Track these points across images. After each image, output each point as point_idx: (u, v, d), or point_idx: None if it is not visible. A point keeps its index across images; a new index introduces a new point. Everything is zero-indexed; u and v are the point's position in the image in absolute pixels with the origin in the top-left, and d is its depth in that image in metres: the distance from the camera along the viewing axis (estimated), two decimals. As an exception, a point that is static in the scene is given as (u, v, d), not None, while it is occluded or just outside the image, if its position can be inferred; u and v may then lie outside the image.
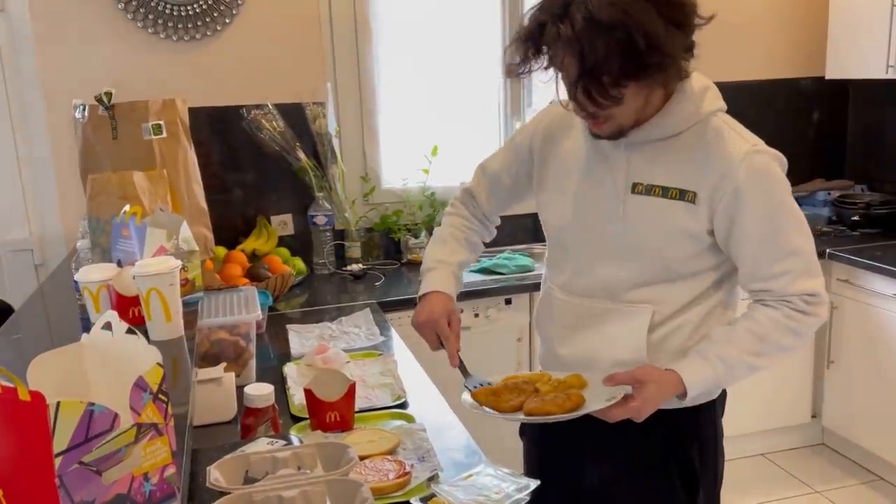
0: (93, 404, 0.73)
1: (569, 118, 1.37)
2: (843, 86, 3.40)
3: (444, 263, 1.53)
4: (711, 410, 1.41)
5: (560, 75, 1.18)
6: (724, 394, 1.48)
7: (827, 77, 3.19)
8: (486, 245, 1.71)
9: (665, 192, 1.28)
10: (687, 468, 1.38)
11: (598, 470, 1.41)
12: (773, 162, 1.28)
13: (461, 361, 1.43)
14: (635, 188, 1.31)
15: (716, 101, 1.31)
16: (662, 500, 1.39)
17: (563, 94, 1.23)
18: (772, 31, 3.31)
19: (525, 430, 1.63)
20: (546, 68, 1.18)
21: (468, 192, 1.63)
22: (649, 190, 1.30)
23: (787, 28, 3.32)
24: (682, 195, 1.28)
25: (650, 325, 1.33)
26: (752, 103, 3.34)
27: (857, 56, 3.05)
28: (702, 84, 1.30)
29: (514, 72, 1.20)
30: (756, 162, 1.26)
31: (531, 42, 1.17)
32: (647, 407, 1.26)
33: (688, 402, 1.30)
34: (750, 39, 3.29)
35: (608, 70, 1.11)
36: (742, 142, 1.27)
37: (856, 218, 3.15)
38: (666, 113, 1.27)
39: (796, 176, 3.37)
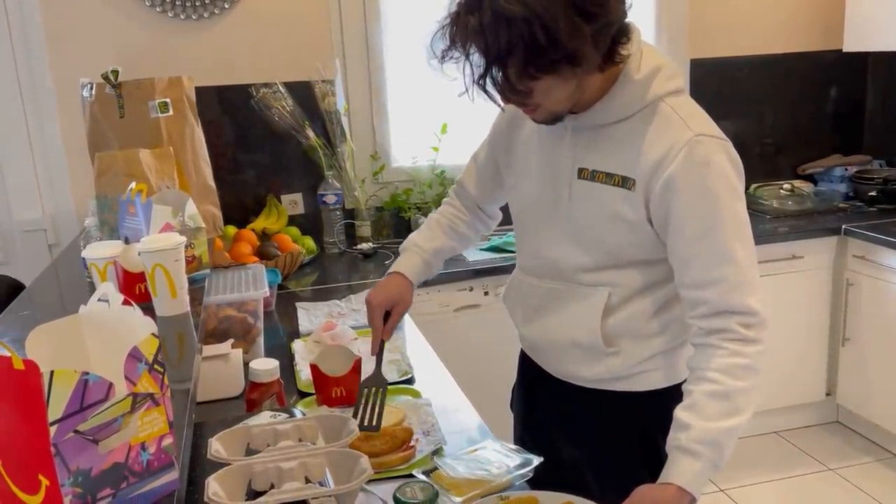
0: (87, 374, 0.73)
1: None
2: (862, 59, 3.33)
3: (417, 247, 1.55)
4: (678, 396, 1.33)
5: (467, 66, 1.14)
6: None
7: (845, 50, 3.13)
8: (498, 223, 1.70)
9: (609, 178, 1.26)
10: (652, 455, 1.36)
11: (569, 445, 1.41)
12: (718, 152, 1.20)
13: (379, 353, 1.44)
14: (581, 173, 1.29)
15: (666, 84, 1.24)
16: (626, 481, 1.38)
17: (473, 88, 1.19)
18: (788, 4, 3.25)
19: (513, 404, 1.65)
20: (457, 60, 1.15)
21: (460, 182, 1.63)
22: (594, 176, 1.27)
23: (804, 0, 3.26)
24: (624, 182, 1.24)
25: (607, 307, 1.31)
26: (769, 77, 3.29)
27: (875, 28, 2.98)
28: (652, 66, 1.23)
29: (447, 57, 1.17)
30: (695, 150, 1.18)
31: (443, 32, 1.15)
32: None
33: (698, 495, 1.20)
34: (767, 12, 3.23)
35: (513, 63, 1.10)
36: (685, 129, 1.20)
37: (873, 193, 3.10)
38: (609, 98, 1.24)
39: (814, 151, 3.38)
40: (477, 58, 1.12)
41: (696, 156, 1.19)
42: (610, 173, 1.26)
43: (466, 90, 1.16)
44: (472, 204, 1.62)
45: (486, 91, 1.15)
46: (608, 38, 1.13)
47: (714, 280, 1.20)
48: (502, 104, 1.22)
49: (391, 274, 1.52)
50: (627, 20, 1.17)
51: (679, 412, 1.21)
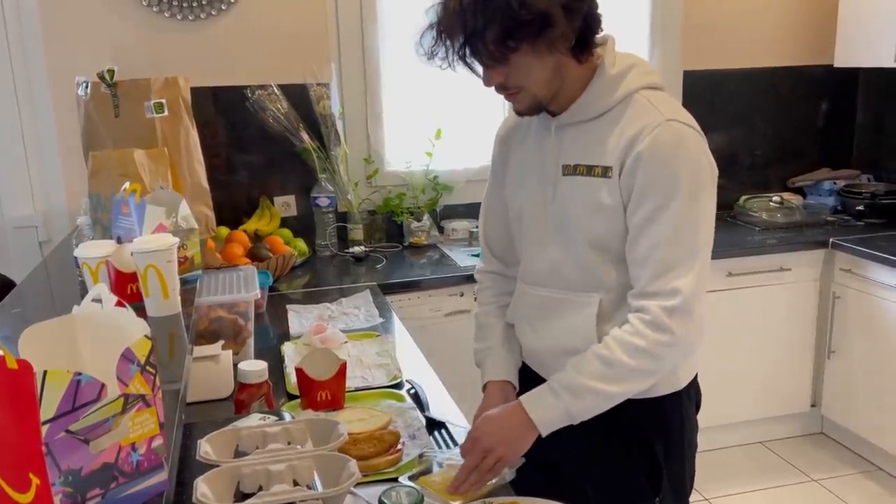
0: (80, 374, 0.74)
1: (517, 122, 1.43)
2: (853, 74, 3.37)
3: (483, 350, 1.50)
4: (678, 405, 1.39)
5: (449, 47, 1.22)
6: (696, 388, 1.46)
7: (836, 65, 3.17)
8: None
9: (589, 170, 1.29)
10: (650, 462, 1.38)
11: (567, 456, 1.42)
12: (688, 138, 1.24)
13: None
14: (564, 170, 1.32)
15: (641, 79, 1.29)
16: (624, 489, 1.39)
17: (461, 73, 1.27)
18: (781, 19, 3.28)
19: None
20: (444, 57, 1.22)
21: (481, 239, 1.58)
22: (575, 170, 1.31)
23: (797, 15, 3.29)
24: (604, 172, 1.27)
25: (601, 314, 1.32)
26: (760, 91, 3.33)
27: (866, 44, 3.02)
28: (626, 63, 1.30)
29: (434, 55, 1.24)
30: (665, 132, 1.23)
31: (430, 28, 1.23)
32: (488, 438, 1.24)
33: (544, 433, 1.27)
34: (759, 26, 3.26)
35: (490, 34, 1.17)
36: (657, 114, 1.25)
37: (861, 208, 3.13)
38: (587, 94, 1.29)
39: (803, 164, 3.41)
40: (459, 34, 1.19)
41: (666, 136, 1.23)
42: (590, 165, 1.29)
43: (450, 64, 1.22)
44: (500, 266, 1.55)
45: (467, 64, 1.22)
46: (580, 14, 1.20)
47: (652, 259, 1.23)
48: (483, 78, 1.26)
49: (485, 388, 1.47)
50: (600, 12, 1.25)
51: (572, 358, 1.28)
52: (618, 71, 1.29)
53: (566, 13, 1.18)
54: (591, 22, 1.23)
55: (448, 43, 1.21)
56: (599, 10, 1.25)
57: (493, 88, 1.29)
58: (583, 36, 1.23)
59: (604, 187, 1.28)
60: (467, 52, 1.20)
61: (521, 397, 1.30)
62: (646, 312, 1.23)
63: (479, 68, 1.25)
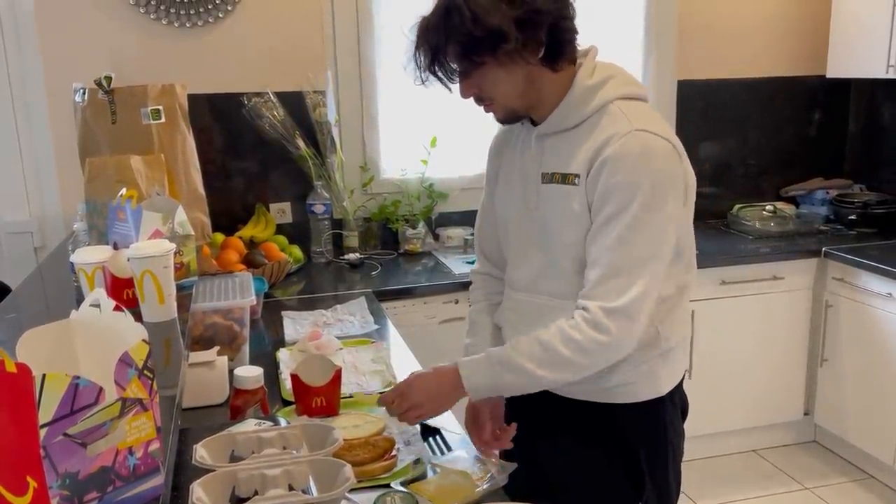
0: (78, 378, 0.75)
1: (508, 132, 1.46)
2: (845, 84, 3.40)
3: (474, 346, 1.53)
4: (660, 410, 1.40)
5: (421, 64, 1.27)
6: (681, 394, 1.47)
7: (828, 75, 3.19)
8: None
9: (564, 178, 1.31)
10: (633, 467, 1.39)
11: (552, 460, 1.43)
12: (655, 148, 1.25)
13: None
14: (543, 178, 1.35)
15: (618, 90, 1.31)
16: (607, 494, 1.40)
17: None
18: (774, 29, 3.31)
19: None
20: (419, 76, 1.28)
21: (476, 242, 1.62)
22: (552, 178, 1.33)
23: (790, 26, 3.33)
24: (576, 179, 1.30)
25: None
26: (753, 100, 3.35)
27: (858, 55, 3.05)
28: (604, 74, 1.31)
29: (420, 70, 1.29)
30: (632, 141, 1.24)
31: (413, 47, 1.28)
32: (417, 393, 1.35)
33: (474, 397, 1.37)
34: (752, 36, 3.29)
35: (451, 49, 1.23)
36: (627, 124, 1.26)
37: (853, 217, 3.16)
38: (563, 104, 1.31)
39: (796, 174, 3.44)
40: (427, 51, 1.25)
41: (632, 145, 1.24)
42: (564, 174, 1.32)
43: (423, 81, 1.28)
44: (493, 269, 1.57)
45: (439, 78, 1.27)
46: (541, 26, 1.22)
47: (601, 262, 1.26)
48: (460, 90, 1.31)
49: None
50: (575, 23, 1.27)
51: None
52: (594, 81, 1.30)
53: (520, 27, 1.20)
54: (562, 31, 1.25)
55: (420, 60, 1.26)
56: (573, 20, 1.27)
57: (472, 100, 1.32)
58: (553, 45, 1.24)
59: (574, 195, 1.30)
60: (436, 68, 1.25)
61: (459, 360, 1.36)
62: (587, 311, 1.26)
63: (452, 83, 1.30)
